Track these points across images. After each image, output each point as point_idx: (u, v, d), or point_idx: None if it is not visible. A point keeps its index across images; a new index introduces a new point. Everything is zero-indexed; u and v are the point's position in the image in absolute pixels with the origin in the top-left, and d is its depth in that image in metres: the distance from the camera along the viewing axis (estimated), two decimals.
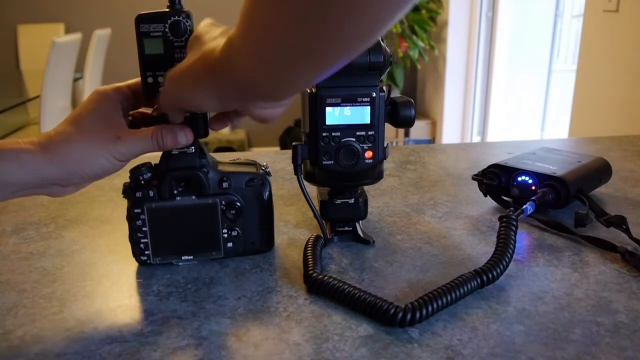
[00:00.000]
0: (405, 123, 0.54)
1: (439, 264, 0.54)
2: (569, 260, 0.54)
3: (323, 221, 0.57)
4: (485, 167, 0.69)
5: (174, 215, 0.51)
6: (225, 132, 3.82)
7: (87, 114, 0.46)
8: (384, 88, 0.53)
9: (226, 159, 0.56)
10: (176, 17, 0.46)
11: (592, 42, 2.11)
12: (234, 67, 0.35)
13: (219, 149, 3.68)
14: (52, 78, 2.46)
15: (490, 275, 0.48)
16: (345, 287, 0.47)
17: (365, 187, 0.64)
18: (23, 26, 3.69)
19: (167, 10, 0.46)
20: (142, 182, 0.50)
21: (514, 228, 0.52)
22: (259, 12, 0.30)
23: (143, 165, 0.51)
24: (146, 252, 0.52)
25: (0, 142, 0.44)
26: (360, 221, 0.61)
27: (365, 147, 0.53)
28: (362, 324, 0.44)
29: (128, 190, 0.51)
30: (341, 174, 0.54)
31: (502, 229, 0.52)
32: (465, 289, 0.46)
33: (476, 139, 3.49)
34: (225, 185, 0.52)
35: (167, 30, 0.46)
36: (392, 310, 0.43)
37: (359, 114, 0.52)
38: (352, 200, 0.57)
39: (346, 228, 0.59)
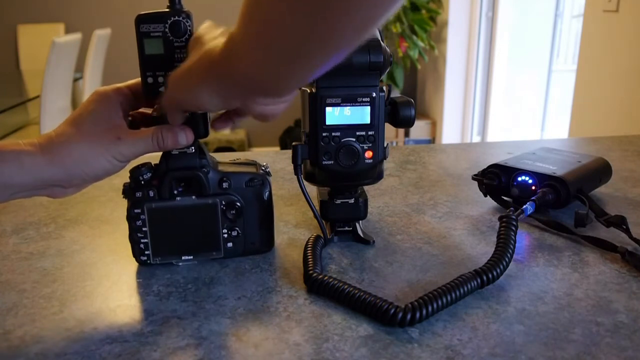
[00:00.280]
0: (405, 123, 0.54)
1: (439, 264, 0.54)
2: (569, 260, 0.54)
3: (323, 221, 0.57)
4: (485, 167, 0.69)
5: (174, 215, 0.51)
6: (225, 132, 3.82)
7: (87, 115, 0.46)
8: (384, 88, 0.53)
9: (226, 159, 0.56)
10: (176, 17, 0.46)
11: (592, 42, 2.11)
12: (235, 64, 0.35)
13: (219, 149, 3.68)
14: (52, 78, 2.46)
15: (490, 275, 0.48)
16: (345, 287, 0.47)
17: (365, 187, 0.63)
18: (23, 26, 3.69)
19: (167, 10, 0.46)
20: (142, 182, 0.50)
21: (514, 228, 0.52)
22: (260, 6, 0.30)
23: (143, 165, 0.51)
24: (146, 252, 0.52)
25: (1, 143, 0.44)
26: (360, 221, 0.61)
27: (365, 147, 0.53)
28: (362, 324, 0.44)
29: (128, 191, 0.51)
30: (341, 174, 0.54)
31: (502, 229, 0.52)
32: (465, 289, 0.46)
33: (476, 139, 3.49)
34: (225, 185, 0.52)
35: (167, 30, 0.46)
36: (392, 310, 0.43)
37: (359, 114, 0.52)
38: (352, 200, 0.57)
39: (346, 228, 0.59)
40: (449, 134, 3.53)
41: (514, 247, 0.51)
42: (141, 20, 0.46)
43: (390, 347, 0.41)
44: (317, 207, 0.57)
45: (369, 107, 0.52)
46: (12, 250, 0.58)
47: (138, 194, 0.51)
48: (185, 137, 0.48)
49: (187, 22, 0.46)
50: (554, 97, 3.15)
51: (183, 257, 0.53)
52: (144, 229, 0.51)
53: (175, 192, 0.51)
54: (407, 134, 3.63)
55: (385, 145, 0.54)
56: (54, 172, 0.45)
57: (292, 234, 0.61)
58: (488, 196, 0.69)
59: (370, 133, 0.52)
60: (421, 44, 3.24)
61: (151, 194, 0.50)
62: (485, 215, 0.66)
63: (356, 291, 0.46)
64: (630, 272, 0.52)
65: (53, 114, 2.52)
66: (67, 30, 3.69)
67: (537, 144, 0.98)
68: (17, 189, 0.45)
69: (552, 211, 0.66)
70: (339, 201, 0.57)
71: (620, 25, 1.93)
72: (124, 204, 0.52)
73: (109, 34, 3.32)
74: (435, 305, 0.44)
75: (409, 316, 0.43)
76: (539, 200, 0.61)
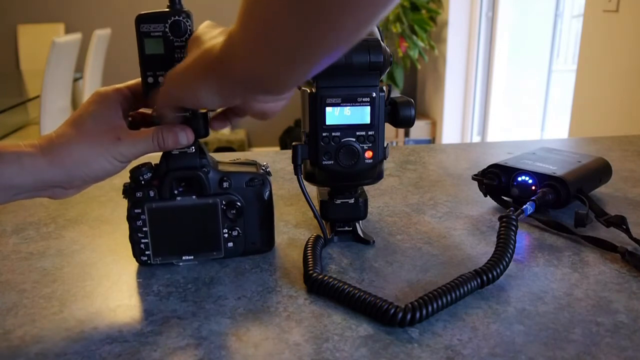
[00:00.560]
0: (405, 123, 0.54)
1: (439, 264, 0.54)
2: (569, 260, 0.54)
3: (323, 221, 0.57)
4: (485, 167, 0.69)
5: (174, 215, 0.51)
6: (225, 132, 3.82)
7: (87, 115, 0.46)
8: (384, 88, 0.53)
9: (226, 159, 0.56)
10: (176, 17, 0.46)
11: (592, 42, 2.11)
12: (234, 63, 0.35)
13: (219, 149, 3.68)
14: (52, 78, 2.46)
15: (490, 275, 0.48)
16: (345, 287, 0.47)
17: (365, 187, 0.64)
18: (23, 26, 3.69)
19: (167, 10, 0.46)
20: (143, 182, 0.50)
21: (514, 228, 0.52)
22: (259, 5, 0.30)
23: (143, 165, 0.51)
24: (147, 253, 0.52)
25: (1, 145, 0.44)
26: (360, 221, 0.61)
27: (365, 147, 0.53)
28: (362, 324, 0.44)
29: (128, 191, 0.51)
30: (341, 174, 0.54)
31: (502, 229, 0.52)
32: (465, 289, 0.46)
33: (476, 139, 3.49)
34: (225, 185, 0.52)
35: (167, 30, 0.46)
36: (392, 310, 0.43)
37: (359, 114, 0.52)
38: (352, 200, 0.57)
39: (346, 228, 0.59)
40: (449, 134, 3.53)
41: (514, 247, 0.51)
42: (141, 20, 0.46)
43: (390, 347, 0.41)
44: (317, 207, 0.57)
45: (369, 107, 0.52)
46: (12, 250, 0.58)
47: (138, 194, 0.51)
48: (186, 137, 0.48)
49: (187, 21, 0.46)
50: (554, 97, 3.15)
51: (183, 257, 0.53)
52: (144, 229, 0.51)
53: (176, 192, 0.51)
54: (407, 134, 3.64)
55: (385, 145, 0.54)
56: (54, 173, 0.45)
57: (292, 234, 0.61)
58: (488, 196, 0.69)
59: (370, 133, 0.52)
60: (421, 44, 3.24)
61: (151, 194, 0.50)
62: (485, 215, 0.66)
63: (356, 291, 0.46)
64: (630, 272, 0.52)
65: (53, 114, 2.52)
66: (67, 30, 3.69)
67: (537, 144, 0.98)
68: (17, 191, 0.45)
69: (552, 211, 0.66)
70: (339, 201, 0.57)
71: (620, 25, 1.93)
72: (124, 204, 0.52)
73: (109, 34, 3.33)
74: (435, 305, 0.44)
75: (409, 316, 0.43)
76: (539, 200, 0.61)
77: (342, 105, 0.51)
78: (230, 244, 0.53)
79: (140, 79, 0.48)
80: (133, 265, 0.54)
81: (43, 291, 0.50)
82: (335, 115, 0.52)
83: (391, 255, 0.56)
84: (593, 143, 0.98)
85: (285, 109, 0.46)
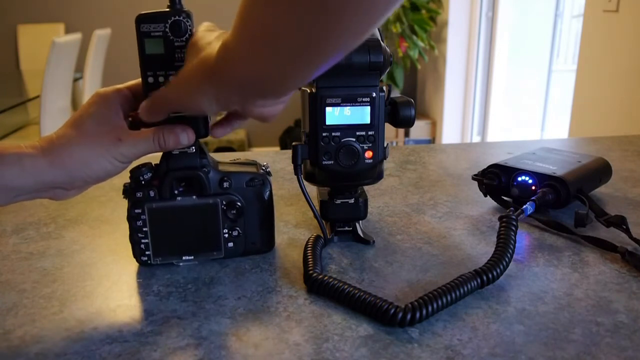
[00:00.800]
0: (405, 123, 0.54)
1: (439, 264, 0.54)
2: (569, 260, 0.54)
3: (323, 221, 0.57)
4: (485, 167, 0.69)
5: (174, 215, 0.51)
6: None
7: (87, 116, 0.46)
8: (384, 88, 0.53)
9: (226, 159, 0.56)
10: (176, 17, 0.46)
11: (592, 42, 2.11)
12: (229, 69, 0.36)
13: (219, 149, 3.68)
14: (52, 78, 2.46)
15: (490, 275, 0.48)
16: (345, 287, 0.47)
17: (365, 187, 0.64)
18: (23, 26, 3.69)
19: (168, 10, 0.46)
20: (143, 182, 0.50)
21: (514, 228, 0.52)
22: (255, 12, 0.30)
23: (143, 165, 0.51)
24: (147, 253, 0.52)
25: (2, 146, 0.44)
26: (360, 221, 0.61)
27: (365, 147, 0.53)
28: (362, 324, 0.44)
29: (128, 191, 0.51)
30: (341, 174, 0.54)
31: (502, 229, 0.52)
32: (465, 289, 0.46)
33: (476, 139, 3.49)
34: (226, 185, 0.52)
35: (167, 30, 0.46)
36: (392, 310, 0.43)
37: (359, 114, 0.52)
38: (352, 200, 0.57)
39: (346, 228, 0.59)
40: (449, 134, 3.53)
41: (514, 247, 0.51)
42: (142, 20, 0.46)
43: (390, 347, 0.41)
44: (317, 207, 0.57)
45: (369, 107, 0.52)
46: (12, 250, 0.58)
47: (138, 194, 0.51)
48: (187, 137, 0.48)
49: (188, 21, 0.46)
50: (554, 97, 3.15)
51: (184, 257, 0.53)
52: (144, 229, 0.51)
53: (176, 192, 0.51)
54: (407, 134, 3.64)
55: (385, 145, 0.54)
56: (55, 174, 0.45)
57: (292, 234, 0.61)
58: (488, 196, 0.69)
59: (370, 133, 0.52)
60: (421, 44, 3.24)
61: (152, 194, 0.50)
62: (485, 215, 0.66)
63: (356, 291, 0.46)
64: (630, 272, 0.52)
65: (53, 114, 2.52)
66: (67, 30, 3.69)
67: (537, 144, 0.98)
68: (18, 192, 0.45)
69: (552, 211, 0.66)
70: (339, 201, 0.57)
71: (620, 25, 1.93)
72: (124, 204, 0.52)
73: (109, 34, 3.33)
74: (435, 305, 0.44)
75: (409, 316, 0.43)
76: (539, 200, 0.61)
77: (342, 105, 0.51)
78: (231, 244, 0.53)
79: (140, 79, 0.48)
80: (133, 265, 0.54)
81: (43, 291, 0.50)
82: (335, 115, 0.52)
83: (391, 255, 0.56)
84: (593, 143, 0.98)
85: (285, 109, 0.46)
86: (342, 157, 0.52)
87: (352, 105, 0.51)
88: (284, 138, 3.91)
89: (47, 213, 0.68)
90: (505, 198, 0.68)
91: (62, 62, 2.55)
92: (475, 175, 0.70)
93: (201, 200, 0.51)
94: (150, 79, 0.47)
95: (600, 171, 0.71)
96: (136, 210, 0.51)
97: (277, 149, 3.98)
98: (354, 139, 0.52)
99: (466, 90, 3.44)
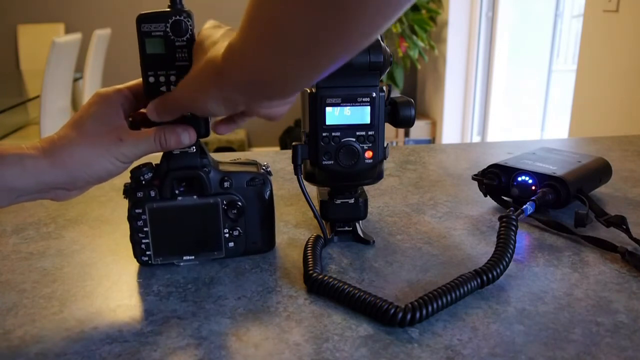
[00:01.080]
0: (405, 123, 0.54)
1: (439, 264, 0.54)
2: (569, 260, 0.54)
3: (323, 221, 0.57)
4: (485, 167, 0.69)
5: (175, 215, 0.51)
6: None
7: (88, 117, 0.46)
8: (384, 88, 0.53)
9: (226, 159, 0.56)
10: (177, 17, 0.46)
11: (592, 42, 2.11)
12: (235, 71, 0.36)
13: (219, 149, 3.68)
14: (52, 78, 2.46)
15: (490, 275, 0.48)
16: (345, 287, 0.47)
17: (365, 187, 0.64)
18: (23, 26, 3.69)
19: (168, 10, 0.46)
20: (143, 182, 0.50)
21: (514, 228, 0.52)
22: (265, 9, 0.30)
23: (144, 165, 0.51)
24: (147, 253, 0.52)
25: (3, 147, 0.44)
26: (360, 221, 0.61)
27: (365, 147, 0.53)
28: (362, 324, 0.44)
29: (129, 191, 0.51)
30: (341, 174, 0.54)
31: (502, 229, 0.52)
32: (465, 289, 0.46)
33: (476, 139, 3.49)
34: (226, 184, 0.52)
35: (168, 29, 0.46)
36: (392, 310, 0.43)
37: (359, 114, 0.52)
38: (352, 200, 0.57)
39: (346, 228, 0.59)
40: (449, 134, 3.53)
41: (514, 247, 0.51)
42: (142, 19, 0.46)
43: (390, 347, 0.41)
44: (317, 207, 0.57)
45: (369, 107, 0.52)
46: (12, 250, 0.58)
47: (139, 194, 0.51)
48: (188, 137, 0.48)
49: (188, 21, 0.46)
50: (554, 97, 3.15)
51: (184, 257, 0.53)
52: (145, 229, 0.51)
53: (177, 192, 0.51)
54: (407, 134, 3.64)
55: (385, 145, 0.54)
56: (56, 174, 0.45)
57: (292, 234, 0.61)
58: (488, 196, 0.69)
59: (370, 133, 0.52)
60: (421, 44, 3.24)
61: (152, 194, 0.50)
62: (485, 215, 0.66)
63: (356, 291, 0.46)
64: (630, 272, 0.52)
65: (53, 114, 2.52)
66: (67, 30, 3.69)
67: (537, 144, 0.98)
68: (20, 193, 0.45)
69: (552, 211, 0.66)
70: (339, 201, 0.57)
71: (620, 25, 1.93)
72: (124, 204, 0.52)
73: (109, 34, 3.32)
74: (435, 305, 0.44)
75: (409, 316, 0.43)
76: (539, 200, 0.61)
77: (342, 105, 0.51)
78: (231, 244, 0.53)
79: (140, 79, 0.48)
80: (133, 265, 0.54)
81: (43, 291, 0.50)
82: (335, 115, 0.52)
83: (391, 255, 0.56)
84: (593, 143, 0.98)
85: (291, 106, 0.46)
86: (342, 157, 0.52)
87: (352, 105, 0.51)
88: (284, 138, 3.91)
89: (47, 213, 0.68)
90: (505, 198, 0.68)
91: (62, 62, 2.55)
92: (475, 175, 0.70)
93: (202, 200, 0.51)
94: (151, 79, 0.47)
95: (600, 171, 0.71)
96: (137, 210, 0.51)
97: (277, 149, 3.98)
98: (354, 139, 0.52)
99: (466, 90, 3.44)
